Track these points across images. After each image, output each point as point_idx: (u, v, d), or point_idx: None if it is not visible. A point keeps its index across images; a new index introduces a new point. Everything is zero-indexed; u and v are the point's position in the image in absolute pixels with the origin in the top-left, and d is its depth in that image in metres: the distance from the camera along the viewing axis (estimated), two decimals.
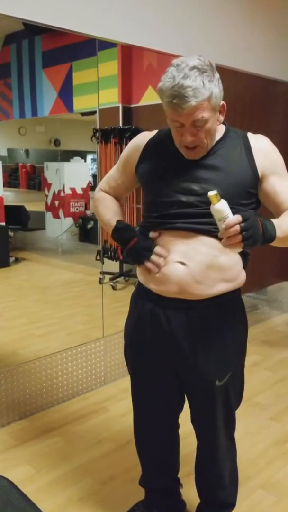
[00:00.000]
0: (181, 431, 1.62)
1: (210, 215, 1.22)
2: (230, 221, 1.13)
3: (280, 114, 3.53)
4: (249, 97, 3.17)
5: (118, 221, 1.44)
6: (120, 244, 1.45)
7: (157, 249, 1.34)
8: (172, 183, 1.32)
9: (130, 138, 4.04)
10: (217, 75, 1.22)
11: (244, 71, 3.04)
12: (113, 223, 1.44)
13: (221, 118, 1.29)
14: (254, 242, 1.16)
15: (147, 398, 1.53)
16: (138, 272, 1.44)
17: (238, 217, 1.13)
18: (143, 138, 1.44)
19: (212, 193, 1.15)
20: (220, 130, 1.34)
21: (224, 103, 1.27)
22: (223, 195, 1.17)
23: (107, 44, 2.57)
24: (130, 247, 1.38)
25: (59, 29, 2.14)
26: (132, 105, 4.12)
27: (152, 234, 1.36)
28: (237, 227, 1.12)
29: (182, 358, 1.39)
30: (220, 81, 1.23)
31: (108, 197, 1.55)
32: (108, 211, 1.51)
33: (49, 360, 2.46)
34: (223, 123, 1.35)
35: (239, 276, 1.38)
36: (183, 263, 1.30)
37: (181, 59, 1.20)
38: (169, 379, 1.47)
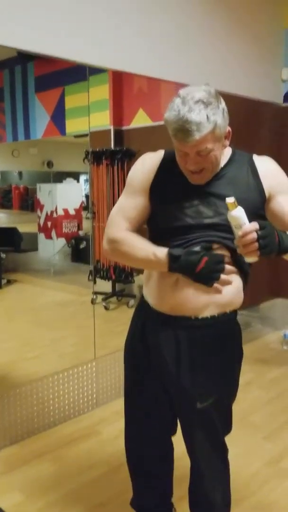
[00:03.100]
0: (176, 452, 1.61)
1: (216, 237, 1.24)
2: (247, 228, 1.14)
3: (267, 136, 3.60)
4: (235, 119, 3.23)
5: (170, 249, 1.28)
6: (185, 273, 1.28)
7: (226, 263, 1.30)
8: (182, 209, 1.31)
9: (122, 159, 4.16)
10: (222, 105, 1.22)
11: (229, 93, 3.10)
12: (161, 254, 1.28)
13: (227, 142, 1.29)
14: (270, 251, 1.16)
15: (138, 413, 1.53)
16: (144, 284, 1.44)
17: (255, 224, 1.14)
18: (151, 161, 1.38)
19: (229, 200, 1.15)
20: (226, 153, 1.35)
21: (230, 129, 1.27)
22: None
23: (98, 69, 2.63)
24: (202, 267, 1.25)
25: (51, 57, 2.20)
26: (123, 128, 4.18)
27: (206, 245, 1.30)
28: (254, 235, 1.13)
29: (167, 373, 1.40)
30: (225, 110, 1.23)
31: (130, 235, 1.36)
32: (141, 246, 1.33)
33: (40, 383, 2.44)
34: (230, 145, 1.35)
35: (233, 300, 1.38)
36: (177, 282, 1.32)
37: (187, 90, 1.21)
38: (159, 395, 1.47)
